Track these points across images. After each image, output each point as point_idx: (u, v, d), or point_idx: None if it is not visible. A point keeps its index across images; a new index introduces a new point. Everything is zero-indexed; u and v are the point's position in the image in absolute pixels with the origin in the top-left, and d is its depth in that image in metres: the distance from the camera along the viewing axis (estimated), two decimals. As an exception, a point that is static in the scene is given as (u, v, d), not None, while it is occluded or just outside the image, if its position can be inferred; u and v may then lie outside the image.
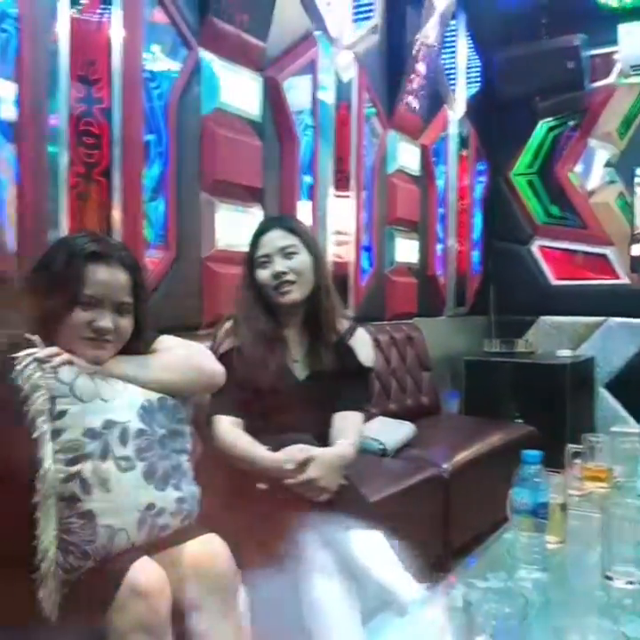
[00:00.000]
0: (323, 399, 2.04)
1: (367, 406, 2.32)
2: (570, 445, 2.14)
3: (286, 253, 2.04)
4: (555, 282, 5.28)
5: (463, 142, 5.05)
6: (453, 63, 4.88)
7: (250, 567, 1.63)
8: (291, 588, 1.71)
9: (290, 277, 2.03)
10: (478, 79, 5.16)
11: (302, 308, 2.10)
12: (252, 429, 1.97)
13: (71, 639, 1.34)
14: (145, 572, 1.37)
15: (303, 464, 1.80)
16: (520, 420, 4.04)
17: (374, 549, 1.77)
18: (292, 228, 2.11)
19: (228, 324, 2.08)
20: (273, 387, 1.99)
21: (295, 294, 2.04)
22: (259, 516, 1.75)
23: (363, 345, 2.17)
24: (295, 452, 1.82)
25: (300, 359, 2.10)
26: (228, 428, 1.94)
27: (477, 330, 5.24)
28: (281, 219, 2.27)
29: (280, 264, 2.03)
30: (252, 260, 2.08)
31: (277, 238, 2.06)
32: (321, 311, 2.09)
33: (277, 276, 2.02)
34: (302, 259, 2.06)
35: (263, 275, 2.05)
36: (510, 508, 1.57)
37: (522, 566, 1.49)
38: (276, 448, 1.86)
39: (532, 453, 1.58)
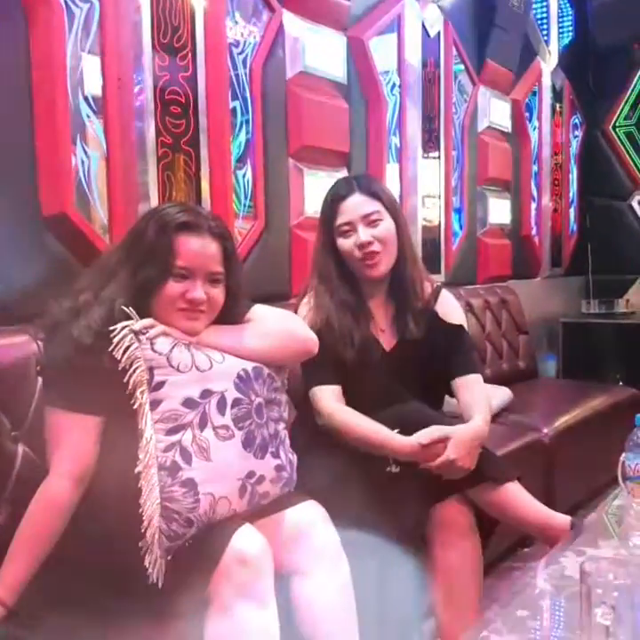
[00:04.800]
0: (416, 367, 1.99)
1: (480, 367, 2.24)
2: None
3: (370, 221, 1.93)
4: (658, 238, 5.06)
5: (557, 95, 4.85)
6: (545, 12, 4.66)
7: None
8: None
9: (375, 248, 1.92)
10: (571, 28, 4.94)
11: (387, 279, 2.02)
12: (349, 405, 1.92)
13: (176, 606, 1.35)
14: (248, 540, 1.37)
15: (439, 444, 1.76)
16: (621, 383, 3.92)
17: (516, 492, 1.81)
18: (374, 191, 1.97)
19: (308, 299, 1.99)
20: (361, 359, 1.92)
21: (382, 267, 1.95)
22: (390, 500, 1.74)
23: (450, 306, 2.10)
24: (432, 432, 1.77)
25: (386, 328, 2.03)
26: (336, 407, 1.87)
27: (575, 291, 5.07)
28: (359, 181, 2.02)
29: (364, 233, 1.92)
30: (330, 227, 1.97)
31: (359, 204, 1.94)
32: (406, 280, 2.00)
33: (362, 246, 1.92)
34: (386, 225, 1.95)
35: (346, 245, 1.95)
36: (622, 475, 1.50)
37: (635, 534, 1.44)
38: (388, 421, 1.81)
39: (646, 417, 1.50)
